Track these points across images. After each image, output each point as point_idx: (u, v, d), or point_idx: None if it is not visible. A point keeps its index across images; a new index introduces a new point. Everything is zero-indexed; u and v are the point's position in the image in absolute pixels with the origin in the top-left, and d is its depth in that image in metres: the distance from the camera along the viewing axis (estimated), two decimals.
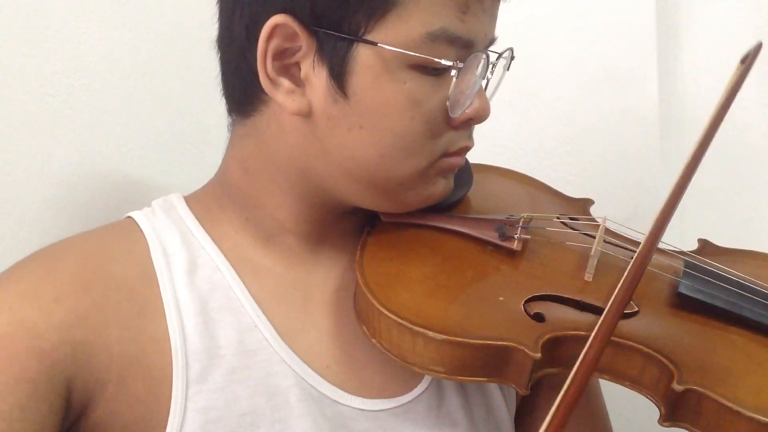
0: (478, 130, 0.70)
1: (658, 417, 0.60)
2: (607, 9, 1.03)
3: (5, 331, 0.58)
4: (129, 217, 0.69)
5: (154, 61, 0.90)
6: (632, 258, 0.64)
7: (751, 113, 0.99)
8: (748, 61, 0.67)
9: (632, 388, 0.62)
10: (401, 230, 0.71)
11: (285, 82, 0.63)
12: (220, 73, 0.69)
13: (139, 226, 0.67)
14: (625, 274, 0.58)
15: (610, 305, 0.57)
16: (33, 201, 0.78)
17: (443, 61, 0.61)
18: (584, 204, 0.81)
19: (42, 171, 0.78)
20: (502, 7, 0.66)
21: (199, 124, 0.94)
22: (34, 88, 0.77)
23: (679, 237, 0.65)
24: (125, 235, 0.67)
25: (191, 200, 0.72)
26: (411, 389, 0.68)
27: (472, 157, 0.75)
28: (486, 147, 0.73)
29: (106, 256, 0.64)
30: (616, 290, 0.57)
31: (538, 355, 0.58)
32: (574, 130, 1.05)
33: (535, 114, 1.06)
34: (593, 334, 0.55)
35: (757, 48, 0.72)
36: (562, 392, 0.51)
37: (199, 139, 0.95)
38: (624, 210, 0.99)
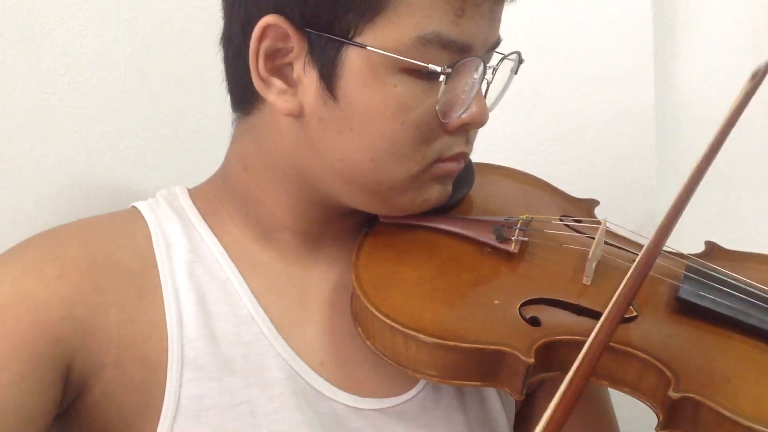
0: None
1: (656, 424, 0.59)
2: (604, 8, 1.03)
3: (7, 301, 0.58)
4: (134, 206, 0.70)
5: (151, 59, 0.90)
6: (632, 261, 0.63)
7: (750, 112, 0.98)
8: (758, 78, 0.64)
9: (631, 394, 0.61)
10: (399, 231, 0.70)
11: (277, 83, 0.63)
12: (224, 69, 0.69)
13: (142, 216, 0.68)
14: (625, 280, 0.57)
15: (608, 311, 0.56)
16: (29, 198, 0.78)
17: (431, 67, 0.60)
18: (589, 205, 0.80)
19: (38, 168, 0.79)
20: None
21: (195, 123, 0.94)
22: (31, 86, 0.77)
23: (677, 238, 0.63)
24: (129, 223, 0.68)
25: (195, 193, 0.72)
26: (406, 390, 0.68)
27: (472, 155, 0.74)
28: (482, 146, 0.72)
29: (109, 241, 0.65)
30: (615, 296, 0.56)
31: (532, 360, 0.58)
32: (571, 129, 1.04)
33: (531, 113, 1.05)
34: (590, 339, 0.54)
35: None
36: (556, 398, 0.50)
37: (195, 137, 0.95)
38: (620, 209, 0.98)
